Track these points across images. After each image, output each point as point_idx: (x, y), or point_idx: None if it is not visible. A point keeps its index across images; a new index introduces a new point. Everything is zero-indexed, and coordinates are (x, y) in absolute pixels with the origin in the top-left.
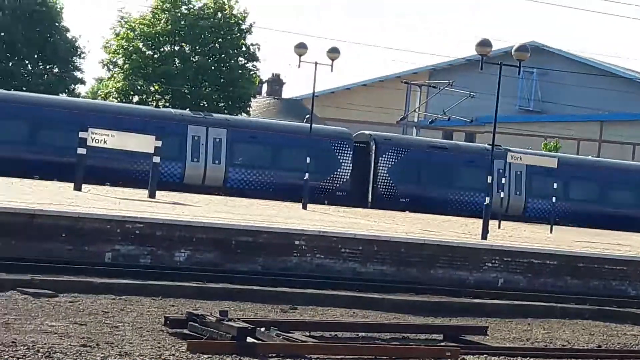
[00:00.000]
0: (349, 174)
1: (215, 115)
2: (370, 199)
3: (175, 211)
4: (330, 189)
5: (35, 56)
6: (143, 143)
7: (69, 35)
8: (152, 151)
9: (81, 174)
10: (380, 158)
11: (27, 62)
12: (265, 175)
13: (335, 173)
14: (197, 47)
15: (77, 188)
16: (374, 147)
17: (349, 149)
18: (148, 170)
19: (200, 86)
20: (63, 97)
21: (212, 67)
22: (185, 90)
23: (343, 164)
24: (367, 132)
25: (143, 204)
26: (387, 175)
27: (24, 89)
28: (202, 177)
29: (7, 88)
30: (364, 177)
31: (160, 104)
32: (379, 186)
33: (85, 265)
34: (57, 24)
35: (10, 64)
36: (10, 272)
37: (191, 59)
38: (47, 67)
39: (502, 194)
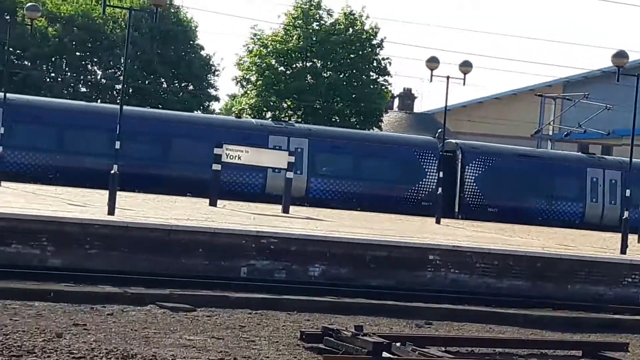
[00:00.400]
0: (434, 184)
1: (297, 125)
2: (457, 209)
3: (309, 226)
4: (416, 199)
5: (171, 74)
6: (276, 159)
7: (203, 53)
8: (285, 166)
9: (216, 190)
10: (467, 167)
11: (162, 80)
12: (348, 185)
13: (421, 183)
14: (329, 63)
15: (212, 204)
16: (460, 156)
17: (435, 158)
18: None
19: (332, 101)
20: (148, 109)
21: (344, 83)
22: (317, 106)
23: (429, 174)
24: (454, 140)
25: (277, 219)
26: (475, 184)
27: (160, 106)
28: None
29: (143, 106)
30: (450, 186)
31: (292, 119)
32: (465, 196)
33: (221, 280)
34: (191, 42)
35: (147, 82)
36: (149, 286)
37: (323, 74)
38: (182, 84)
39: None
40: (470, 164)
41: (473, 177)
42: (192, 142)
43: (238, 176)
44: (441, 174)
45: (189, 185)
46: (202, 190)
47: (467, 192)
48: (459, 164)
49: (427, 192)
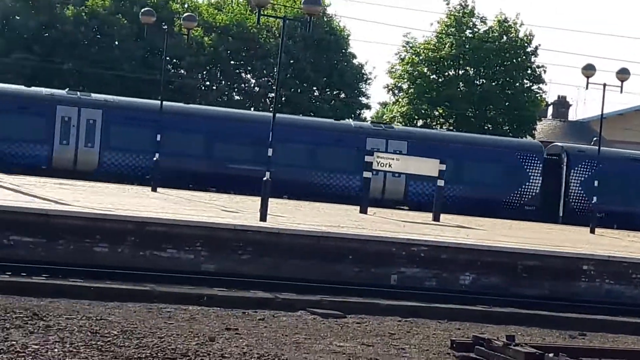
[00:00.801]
0: (538, 188)
1: (396, 126)
2: (561, 214)
3: (460, 234)
4: (518, 204)
5: (323, 83)
6: (427, 167)
7: (355, 61)
8: (436, 174)
9: (367, 197)
10: (573, 171)
11: (314, 88)
12: (448, 189)
13: (524, 187)
14: (482, 71)
15: (363, 211)
16: (565, 160)
17: (539, 162)
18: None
19: (485, 109)
20: (238, 110)
21: (497, 91)
22: (470, 114)
23: (532, 178)
24: (559, 144)
25: (427, 226)
26: (580, 189)
27: (312, 114)
28: (382, 190)
29: (295, 114)
30: (554, 191)
31: (444, 127)
32: (570, 200)
33: (371, 287)
34: (343, 50)
35: (299, 90)
36: (300, 292)
37: (475, 82)
38: (334, 93)
39: None
40: (576, 168)
41: (578, 182)
42: (287, 144)
43: (334, 179)
44: (596, 183)
45: (288, 187)
46: (299, 192)
47: (572, 197)
48: (564, 168)
49: (530, 196)
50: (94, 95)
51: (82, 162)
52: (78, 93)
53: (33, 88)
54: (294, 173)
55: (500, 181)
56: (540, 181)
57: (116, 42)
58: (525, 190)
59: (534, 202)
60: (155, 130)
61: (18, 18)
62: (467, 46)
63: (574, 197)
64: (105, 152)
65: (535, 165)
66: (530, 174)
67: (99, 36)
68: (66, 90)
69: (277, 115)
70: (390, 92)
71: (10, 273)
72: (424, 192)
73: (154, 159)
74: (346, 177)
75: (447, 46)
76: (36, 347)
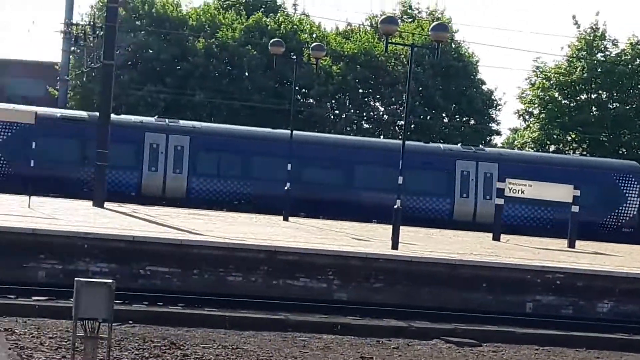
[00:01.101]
0: (636, 210)
1: (487, 149)
2: None
3: (596, 261)
4: (615, 226)
5: (452, 109)
6: (561, 193)
7: (484, 87)
8: (570, 200)
9: (499, 224)
10: None
11: (444, 115)
12: (542, 211)
13: (621, 208)
14: (615, 94)
15: (496, 238)
16: None
17: (636, 183)
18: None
19: (619, 133)
20: (323, 134)
21: (631, 114)
22: (604, 138)
23: (630, 199)
24: None
25: (563, 253)
26: None
27: (442, 141)
28: (473, 213)
29: (426, 141)
30: None
31: (577, 152)
32: None
33: (506, 315)
34: (472, 77)
35: (428, 117)
36: (434, 321)
37: (609, 106)
38: (464, 119)
39: None
40: None
41: None
42: (375, 168)
43: (424, 202)
44: None
45: (375, 212)
46: (387, 216)
47: None
48: None
49: (627, 218)
50: (182, 122)
51: (170, 188)
52: (166, 120)
53: (122, 116)
54: (382, 197)
55: (596, 203)
56: (638, 202)
57: (246, 73)
58: (623, 212)
59: (632, 223)
60: (242, 155)
61: (151, 52)
62: (599, 70)
63: None
64: (193, 178)
65: (632, 186)
66: (627, 195)
67: (229, 68)
68: (155, 117)
69: (363, 139)
70: (521, 117)
71: (147, 303)
72: (517, 214)
73: (285, 187)
74: (436, 201)
75: (578, 70)
76: None
